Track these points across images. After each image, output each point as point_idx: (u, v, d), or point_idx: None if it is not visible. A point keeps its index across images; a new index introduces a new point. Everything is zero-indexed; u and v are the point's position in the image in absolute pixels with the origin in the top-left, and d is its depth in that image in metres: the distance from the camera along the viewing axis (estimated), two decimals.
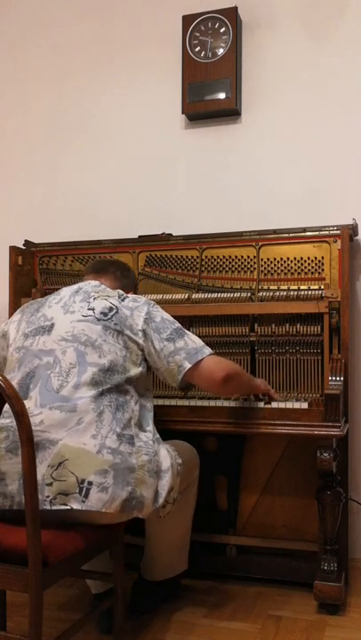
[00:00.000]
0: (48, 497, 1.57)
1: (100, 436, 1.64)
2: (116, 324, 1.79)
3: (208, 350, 1.86)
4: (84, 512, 1.59)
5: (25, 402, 1.61)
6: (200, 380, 1.88)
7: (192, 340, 1.86)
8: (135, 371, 1.79)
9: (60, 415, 1.64)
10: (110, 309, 1.82)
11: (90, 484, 1.58)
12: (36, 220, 3.05)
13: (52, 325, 1.81)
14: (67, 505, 1.57)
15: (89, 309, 1.81)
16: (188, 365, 1.81)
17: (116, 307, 1.83)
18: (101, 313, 1.80)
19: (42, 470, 1.58)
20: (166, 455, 1.81)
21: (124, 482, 1.62)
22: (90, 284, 1.94)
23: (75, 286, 1.94)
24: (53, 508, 1.57)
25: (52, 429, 1.63)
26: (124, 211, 2.92)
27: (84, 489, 1.58)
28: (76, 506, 1.57)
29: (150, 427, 1.81)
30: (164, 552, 2.06)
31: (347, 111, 2.65)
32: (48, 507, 1.56)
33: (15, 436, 1.61)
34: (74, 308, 1.83)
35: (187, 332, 1.87)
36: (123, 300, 1.86)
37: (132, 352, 1.80)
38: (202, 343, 1.87)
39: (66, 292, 1.92)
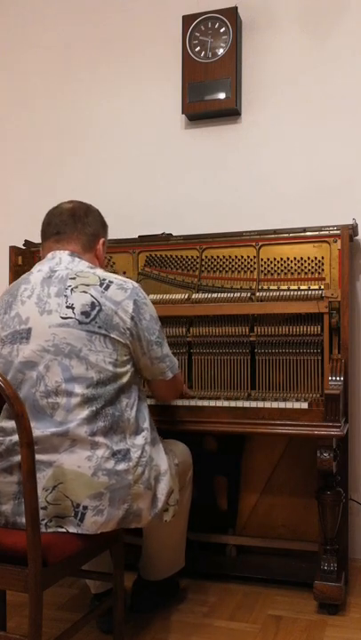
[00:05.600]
0: (43, 520, 1.53)
1: (96, 458, 1.58)
2: (100, 326, 1.64)
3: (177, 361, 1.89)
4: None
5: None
6: (168, 390, 1.93)
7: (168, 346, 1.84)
8: (127, 375, 1.69)
9: (53, 438, 1.58)
10: (92, 306, 1.64)
11: (85, 508, 1.56)
12: (36, 220, 3.03)
13: (29, 331, 1.65)
14: (62, 527, 1.56)
15: (67, 307, 1.64)
16: (170, 375, 1.83)
17: (99, 302, 1.65)
18: (82, 313, 1.63)
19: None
20: (164, 457, 1.79)
21: (121, 501, 1.60)
22: (62, 264, 1.73)
23: (45, 267, 1.74)
24: (49, 530, 1.55)
25: (44, 452, 1.58)
26: (124, 211, 2.91)
27: (80, 513, 1.56)
28: (71, 529, 1.56)
29: (147, 423, 1.74)
30: (161, 552, 2.06)
31: (347, 111, 2.65)
32: (43, 529, 1.52)
33: (10, 454, 1.61)
34: (50, 305, 1.65)
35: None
36: (106, 290, 1.68)
37: (121, 353, 1.68)
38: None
39: (36, 278, 1.73)
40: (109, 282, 1.70)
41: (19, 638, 1.47)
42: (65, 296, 1.66)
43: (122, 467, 1.62)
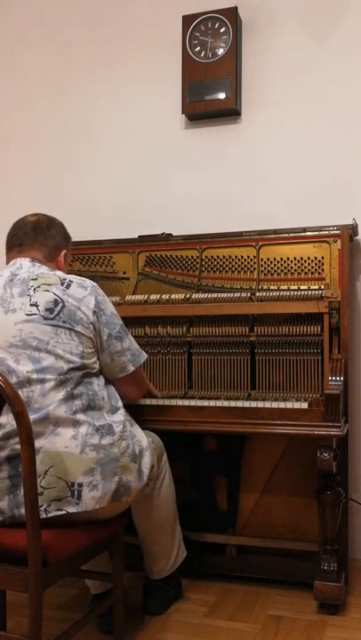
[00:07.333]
0: (42, 506, 1.55)
1: (81, 435, 1.63)
2: (64, 321, 1.70)
3: (145, 354, 1.91)
4: (78, 512, 1.60)
5: None
6: (131, 387, 1.91)
7: (132, 339, 1.88)
8: (95, 365, 1.76)
9: (34, 425, 1.58)
10: (56, 303, 1.71)
11: (80, 485, 1.59)
12: None
13: None
14: (62, 510, 1.58)
15: (32, 305, 1.70)
16: (131, 369, 1.85)
17: (62, 299, 1.72)
18: (47, 310, 1.70)
19: None
20: (142, 433, 1.87)
21: (111, 473, 1.65)
22: (23, 268, 1.80)
23: (6, 272, 1.80)
24: (49, 515, 1.56)
25: None
26: (124, 211, 2.92)
27: (76, 491, 1.59)
28: (71, 509, 1.58)
29: (120, 403, 1.81)
30: (159, 546, 2.07)
31: (346, 111, 2.65)
32: (44, 515, 1.55)
33: None
34: (14, 305, 1.71)
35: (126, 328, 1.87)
36: (67, 288, 1.74)
37: (87, 345, 1.73)
38: (137, 345, 1.89)
39: None
40: (70, 281, 1.77)
41: (19, 638, 1.47)
42: (28, 295, 1.72)
43: (107, 440, 1.66)
